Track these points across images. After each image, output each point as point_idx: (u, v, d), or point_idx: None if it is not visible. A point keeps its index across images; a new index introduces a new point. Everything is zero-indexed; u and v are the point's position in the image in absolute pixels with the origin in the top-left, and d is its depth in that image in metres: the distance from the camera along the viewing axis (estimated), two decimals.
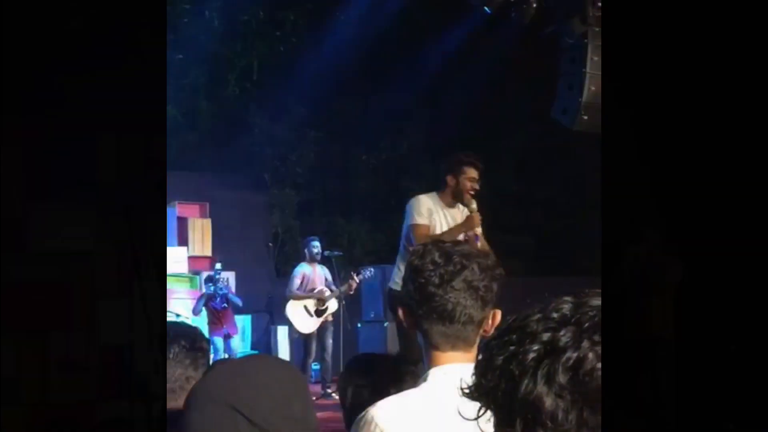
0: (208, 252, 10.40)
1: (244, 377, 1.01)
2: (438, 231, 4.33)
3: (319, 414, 4.77)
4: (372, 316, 7.89)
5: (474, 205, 4.38)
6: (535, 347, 0.68)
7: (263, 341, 10.55)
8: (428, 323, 1.38)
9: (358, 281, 7.32)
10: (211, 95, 13.76)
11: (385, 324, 7.73)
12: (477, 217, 4.34)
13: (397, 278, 4.39)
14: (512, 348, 0.71)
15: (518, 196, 12.12)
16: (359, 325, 7.98)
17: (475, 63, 11.92)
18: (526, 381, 0.68)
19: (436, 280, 1.36)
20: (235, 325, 8.38)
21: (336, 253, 7.62)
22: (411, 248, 1.46)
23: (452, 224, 4.41)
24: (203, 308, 8.32)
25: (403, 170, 13.16)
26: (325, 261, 7.61)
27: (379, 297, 7.75)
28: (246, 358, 1.18)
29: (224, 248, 10.34)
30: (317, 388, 7.34)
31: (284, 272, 9.84)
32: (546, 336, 0.68)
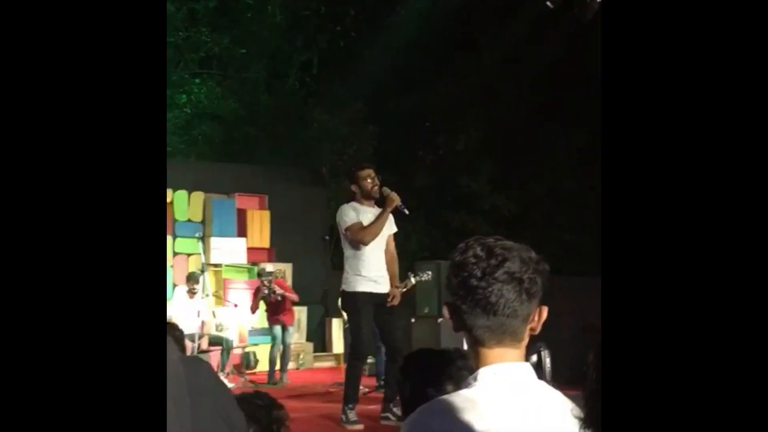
0: (266, 243, 10.56)
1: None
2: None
3: (371, 407, 4.75)
4: (426, 311, 7.91)
5: (385, 189, 5.15)
6: None
7: (318, 333, 10.69)
8: (472, 318, 1.38)
9: (414, 282, 7.36)
10: (272, 89, 13.96)
11: (439, 320, 7.76)
12: (393, 195, 5.06)
13: (346, 281, 5.17)
14: None
15: (577, 194, 11.94)
16: (413, 320, 8.01)
17: (534, 59, 11.78)
18: None
19: (479, 273, 1.37)
20: (291, 316, 8.52)
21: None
22: (456, 248, 1.44)
23: (371, 219, 5.12)
24: (261, 301, 8.48)
25: (459, 166, 13.12)
26: None
27: (434, 293, 7.78)
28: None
29: (282, 240, 10.50)
30: (372, 381, 7.42)
31: (340, 265, 9.94)
32: None
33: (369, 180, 5.18)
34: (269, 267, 8.73)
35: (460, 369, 1.83)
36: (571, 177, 12.32)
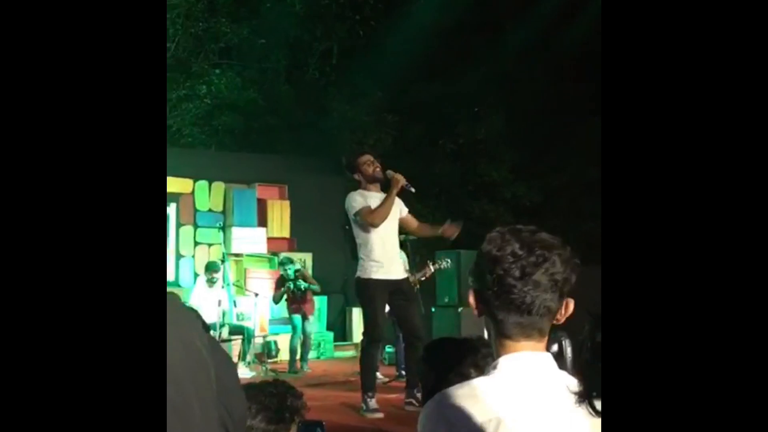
0: (287, 233, 10.60)
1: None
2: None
3: (392, 396, 4.74)
4: (446, 300, 7.89)
5: (389, 172, 5.16)
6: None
7: (338, 322, 10.71)
8: (504, 314, 1.35)
9: (433, 270, 7.33)
10: (292, 79, 13.96)
11: (459, 309, 7.73)
12: (397, 175, 5.07)
13: (360, 268, 5.19)
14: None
15: (599, 183, 11.82)
16: (433, 309, 7.99)
17: (554, 48, 11.67)
18: None
19: (517, 273, 1.33)
20: (312, 305, 8.54)
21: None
22: (488, 235, 1.40)
23: (376, 204, 5.13)
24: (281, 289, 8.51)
25: (480, 155, 13.05)
26: (401, 246, 7.63)
27: (454, 282, 7.75)
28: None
29: (302, 230, 10.52)
30: (391, 371, 7.42)
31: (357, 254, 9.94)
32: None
33: (368, 164, 5.21)
34: (297, 265, 8.74)
35: (485, 356, 1.81)
36: (593, 165, 12.20)
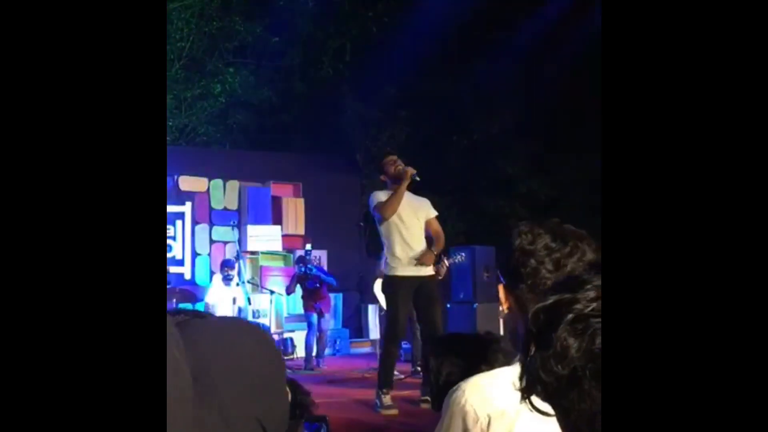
0: (301, 231, 10.63)
1: (195, 334, 0.95)
2: (401, 212, 5.19)
3: (406, 392, 4.73)
4: (461, 297, 7.88)
5: (401, 166, 5.26)
6: None
7: (354, 319, 10.73)
8: (534, 307, 1.36)
9: (447, 265, 7.32)
10: (305, 77, 13.98)
11: (474, 305, 7.72)
12: (407, 168, 5.19)
13: (385, 265, 5.30)
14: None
15: None
16: (449, 305, 7.98)
17: (568, 42, 11.60)
18: None
19: (551, 266, 1.33)
20: (328, 303, 8.56)
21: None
22: (515, 230, 1.39)
23: (406, 205, 5.22)
24: (298, 286, 8.55)
25: (494, 151, 13.01)
26: None
27: (469, 278, 7.73)
28: (213, 319, 1.08)
29: (316, 227, 10.55)
30: (407, 367, 7.42)
31: (375, 252, 9.97)
32: None
33: (390, 164, 5.31)
34: (308, 246, 8.77)
35: (495, 352, 1.81)
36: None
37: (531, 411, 1.28)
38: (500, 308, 1.45)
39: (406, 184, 5.14)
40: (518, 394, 1.31)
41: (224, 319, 1.09)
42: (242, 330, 1.01)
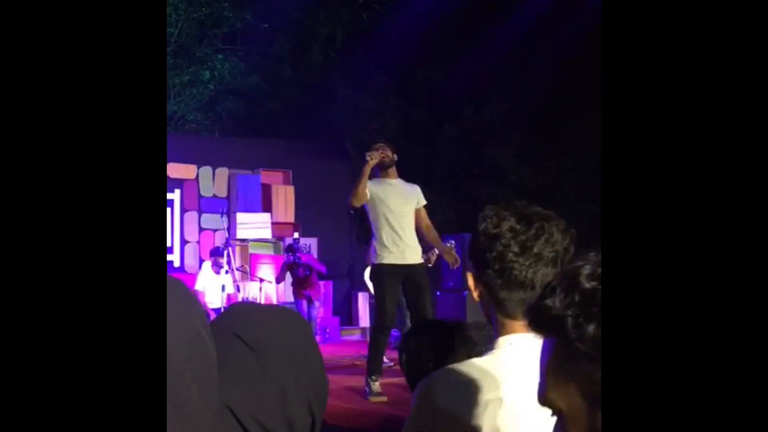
0: (291, 218, 10.59)
1: (249, 312, 1.03)
2: (389, 199, 5.16)
3: (396, 380, 4.73)
4: (451, 285, 7.88)
5: (386, 155, 5.19)
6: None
7: (344, 306, 10.72)
8: (506, 292, 1.31)
9: (437, 253, 7.31)
10: (295, 63, 13.90)
11: (464, 293, 7.71)
12: (367, 154, 5.16)
13: (374, 254, 5.22)
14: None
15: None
16: (438, 293, 7.98)
17: (561, 30, 11.57)
18: None
19: (517, 248, 1.29)
20: (318, 290, 8.54)
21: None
22: (481, 214, 1.36)
23: (394, 192, 5.20)
24: (287, 274, 8.52)
25: (485, 139, 12.99)
26: None
27: (459, 266, 7.73)
28: (261, 304, 1.20)
29: (306, 215, 10.51)
30: (396, 354, 7.42)
31: (365, 239, 9.94)
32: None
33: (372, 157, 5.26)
34: (295, 234, 8.74)
35: (464, 340, 1.78)
36: (599, 149, 12.13)
37: (502, 401, 1.25)
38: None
39: (366, 169, 5.10)
40: (491, 385, 1.28)
41: (273, 305, 1.18)
42: (291, 315, 1.07)
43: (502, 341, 1.32)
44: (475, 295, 1.38)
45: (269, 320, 1.02)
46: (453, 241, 6.98)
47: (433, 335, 1.87)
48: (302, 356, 1.01)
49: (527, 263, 1.29)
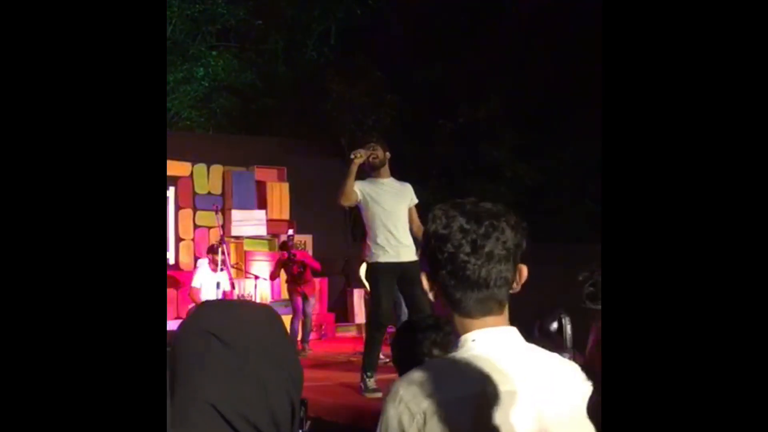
0: (286, 216, 10.57)
1: (222, 309, 1.04)
2: (381, 199, 5.17)
3: (392, 376, 4.69)
4: None
5: (377, 155, 5.16)
6: None
7: (339, 303, 10.71)
8: (461, 292, 1.30)
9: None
10: (290, 60, 13.87)
11: None
12: (354, 152, 5.15)
13: (369, 252, 5.23)
14: None
15: (600, 163, 11.76)
16: None
17: (557, 28, 11.58)
18: None
19: (468, 248, 1.28)
20: (312, 287, 8.53)
21: None
22: (430, 214, 1.34)
23: (387, 191, 5.20)
24: (282, 272, 8.51)
25: (480, 135, 12.98)
26: None
27: None
28: (230, 300, 1.21)
29: (301, 212, 10.49)
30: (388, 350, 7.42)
31: (359, 236, 9.94)
32: None
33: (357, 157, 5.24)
34: (290, 231, 8.75)
35: (447, 334, 1.78)
36: (595, 145, 12.13)
37: (479, 396, 1.25)
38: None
39: (352, 168, 5.09)
40: (463, 384, 1.27)
41: (243, 300, 1.19)
42: (262, 309, 1.09)
43: (465, 338, 1.32)
44: (431, 295, 1.36)
45: (242, 316, 1.02)
46: None
47: (426, 331, 1.87)
48: (278, 349, 1.02)
49: (479, 262, 1.28)
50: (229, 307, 1.06)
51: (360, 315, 10.28)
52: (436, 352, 1.76)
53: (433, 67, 12.64)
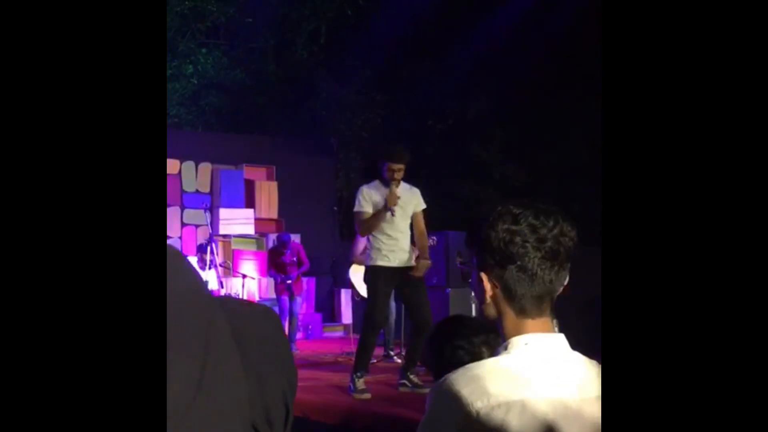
0: (275, 214, 10.55)
1: (223, 304, 1.01)
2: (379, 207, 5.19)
3: (380, 376, 4.75)
4: (434, 282, 7.88)
5: (392, 187, 5.15)
6: None
7: (327, 303, 10.70)
8: (526, 288, 1.32)
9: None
10: (280, 59, 13.83)
11: (447, 290, 7.73)
12: (392, 196, 5.14)
13: (368, 255, 5.30)
14: None
15: (589, 164, 11.81)
16: None
17: (545, 27, 11.61)
18: None
19: (537, 245, 1.31)
20: (299, 286, 8.52)
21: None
22: (497, 210, 1.36)
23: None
24: (271, 267, 8.49)
25: (469, 136, 13.01)
26: None
27: (442, 263, 7.73)
28: (228, 296, 1.19)
29: (290, 211, 10.48)
30: (379, 351, 7.42)
31: (348, 236, 9.93)
32: None
33: (391, 172, 5.21)
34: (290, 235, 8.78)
35: (498, 336, 1.77)
36: (583, 147, 12.18)
37: (537, 403, 1.25)
38: (472, 295, 1.40)
39: (385, 210, 5.12)
40: (513, 386, 1.27)
41: (246, 301, 1.15)
42: (259, 306, 1.08)
43: (517, 341, 1.33)
44: (489, 295, 1.37)
45: (241, 311, 1.01)
46: (435, 238, 6.98)
47: (477, 331, 1.85)
48: (275, 347, 1.01)
49: (547, 259, 1.32)
50: (227, 302, 1.05)
51: (347, 315, 10.28)
52: (485, 351, 1.75)
53: (422, 66, 12.64)
